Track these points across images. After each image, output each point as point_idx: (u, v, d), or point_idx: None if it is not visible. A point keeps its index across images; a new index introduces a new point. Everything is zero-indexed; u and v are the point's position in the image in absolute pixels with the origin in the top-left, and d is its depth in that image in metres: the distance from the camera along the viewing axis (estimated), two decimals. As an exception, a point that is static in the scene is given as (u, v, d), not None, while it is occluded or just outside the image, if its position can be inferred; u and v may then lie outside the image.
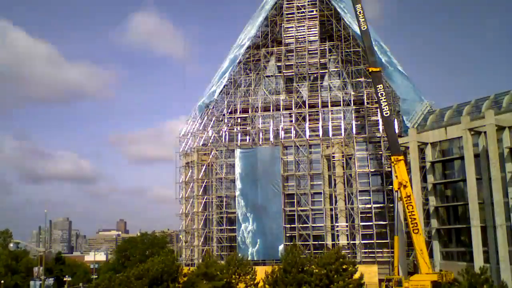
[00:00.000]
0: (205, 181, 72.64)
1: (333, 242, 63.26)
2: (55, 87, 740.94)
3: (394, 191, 55.03)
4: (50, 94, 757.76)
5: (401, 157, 53.73)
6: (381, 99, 55.22)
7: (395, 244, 53.41)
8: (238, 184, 67.89)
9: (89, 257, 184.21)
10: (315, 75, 70.48)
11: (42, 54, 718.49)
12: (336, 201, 65.42)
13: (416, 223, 51.78)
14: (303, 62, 71.01)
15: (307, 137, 67.53)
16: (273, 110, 69.68)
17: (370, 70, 57.54)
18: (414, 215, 51.87)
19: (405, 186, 52.22)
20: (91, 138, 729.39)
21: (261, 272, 52.74)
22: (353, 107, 67.02)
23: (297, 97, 68.85)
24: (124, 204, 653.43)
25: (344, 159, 66.15)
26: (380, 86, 55.70)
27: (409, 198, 52.14)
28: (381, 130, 64.94)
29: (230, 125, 71.35)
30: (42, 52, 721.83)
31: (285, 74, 71.36)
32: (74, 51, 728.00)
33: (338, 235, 64.44)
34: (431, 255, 56.77)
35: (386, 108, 54.84)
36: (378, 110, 57.91)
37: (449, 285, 47.21)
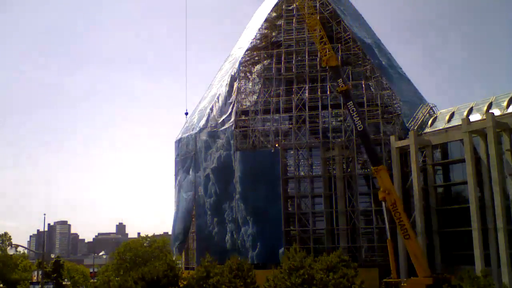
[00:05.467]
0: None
1: (333, 246, 62.81)
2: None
3: (380, 200, 54.88)
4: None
5: (381, 167, 53.46)
6: (353, 115, 54.91)
7: (388, 248, 52.99)
8: (238, 187, 67.47)
9: (88, 261, 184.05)
10: (315, 77, 70.15)
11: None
12: (336, 204, 64.99)
13: (405, 229, 51.31)
14: (303, 64, 70.76)
15: (307, 139, 67.20)
16: (273, 113, 69.31)
17: (338, 90, 56.70)
18: (402, 221, 51.51)
19: (389, 194, 51.93)
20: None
21: (261, 276, 52.36)
22: (353, 109, 66.55)
23: (297, 99, 68.54)
24: (123, 207, 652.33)
25: (345, 161, 65.86)
26: (350, 103, 55.23)
27: (395, 205, 51.81)
28: (381, 132, 64.80)
29: (230, 127, 70.83)
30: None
31: (285, 76, 71.09)
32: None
33: (338, 238, 64.06)
34: (432, 258, 56.49)
35: (359, 122, 54.53)
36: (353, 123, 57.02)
37: None
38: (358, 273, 48.24)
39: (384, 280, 54.21)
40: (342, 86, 55.53)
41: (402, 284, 51.41)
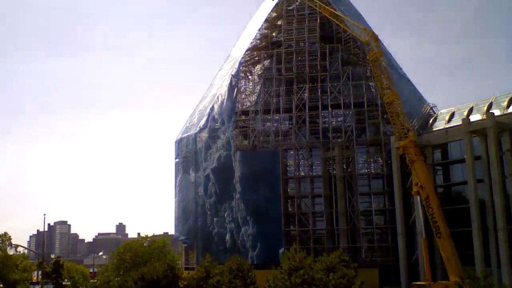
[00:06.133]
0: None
1: (333, 246, 62.85)
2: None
3: (413, 195, 53.63)
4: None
5: (415, 158, 52.44)
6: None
7: (423, 247, 51.72)
8: (238, 187, 67.46)
9: (88, 261, 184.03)
10: (315, 77, 70.12)
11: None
12: (336, 203, 64.98)
13: (437, 226, 50.01)
14: (303, 64, 70.72)
15: (307, 139, 67.19)
16: (273, 113, 69.29)
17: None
18: (434, 218, 50.30)
19: (422, 187, 50.95)
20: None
21: (261, 276, 52.34)
22: (353, 109, 66.71)
23: (297, 99, 68.53)
24: (123, 207, 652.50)
25: (345, 161, 65.86)
26: None
27: (427, 200, 50.66)
28: (381, 132, 64.82)
29: (230, 127, 70.87)
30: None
31: (285, 76, 71.05)
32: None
33: (338, 238, 64.07)
34: (432, 258, 56.22)
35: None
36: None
37: None
38: (358, 273, 48.19)
39: (414, 283, 53.01)
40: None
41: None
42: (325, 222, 64.84)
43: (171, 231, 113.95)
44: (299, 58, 71.42)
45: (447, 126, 58.84)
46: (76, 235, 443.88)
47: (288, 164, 68.45)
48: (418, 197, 52.65)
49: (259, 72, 75.85)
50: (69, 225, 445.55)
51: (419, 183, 51.41)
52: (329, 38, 72.40)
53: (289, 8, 75.23)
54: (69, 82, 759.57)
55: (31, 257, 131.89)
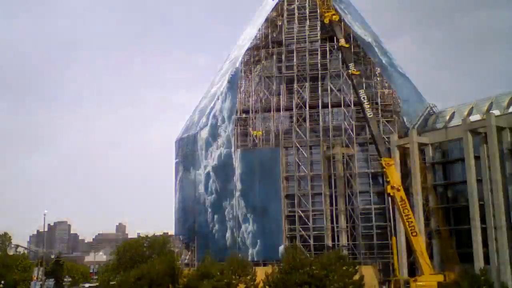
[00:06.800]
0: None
1: (333, 243, 63.09)
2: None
3: (386, 195, 54.83)
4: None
5: (392, 161, 53.73)
6: (364, 103, 55.44)
7: (393, 245, 53.19)
8: (238, 185, 67.81)
9: (89, 258, 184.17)
10: (315, 76, 70.29)
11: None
12: (336, 202, 65.17)
13: (413, 226, 51.35)
14: (303, 63, 70.89)
15: (308, 138, 67.40)
16: (273, 111, 69.52)
17: (351, 72, 57.90)
18: (410, 218, 51.54)
19: (398, 190, 52.01)
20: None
21: (261, 273, 52.47)
22: (353, 108, 66.91)
23: (298, 98, 68.75)
24: (123, 207, 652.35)
25: (345, 160, 66.04)
26: (362, 91, 56.33)
27: (404, 202, 51.87)
28: (381, 131, 64.99)
29: (230, 125, 71.12)
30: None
31: (285, 75, 71.23)
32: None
33: (338, 236, 64.28)
34: (430, 257, 56.52)
35: (370, 110, 55.21)
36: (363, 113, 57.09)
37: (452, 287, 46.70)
38: (358, 271, 48.32)
39: (389, 278, 53.92)
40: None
41: (416, 283, 50.17)
42: (325, 220, 65.07)
43: (171, 231, 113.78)
44: (300, 56, 71.59)
45: (447, 125, 59.06)
46: (76, 235, 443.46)
47: (288, 162, 68.63)
48: (390, 199, 53.46)
49: (260, 71, 76.00)
50: (69, 225, 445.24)
51: (395, 186, 52.11)
52: (329, 37, 72.44)
53: (289, 7, 75.34)
54: (68, 82, 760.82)
55: (31, 257, 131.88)
